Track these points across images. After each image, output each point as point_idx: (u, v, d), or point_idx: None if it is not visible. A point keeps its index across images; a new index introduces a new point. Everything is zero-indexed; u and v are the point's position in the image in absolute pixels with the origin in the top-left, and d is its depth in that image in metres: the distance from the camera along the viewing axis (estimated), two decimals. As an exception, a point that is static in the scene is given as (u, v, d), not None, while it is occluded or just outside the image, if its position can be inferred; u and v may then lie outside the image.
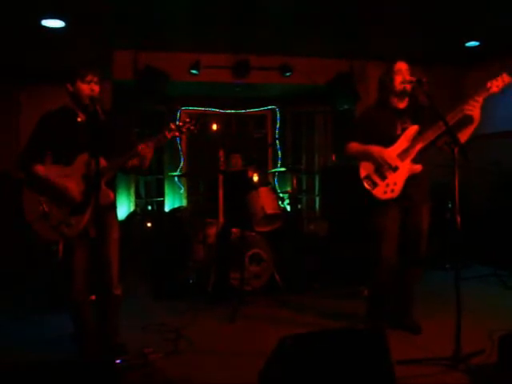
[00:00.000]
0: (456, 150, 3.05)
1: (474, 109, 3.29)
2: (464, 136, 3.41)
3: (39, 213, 3.00)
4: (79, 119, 3.12)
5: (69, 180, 3.02)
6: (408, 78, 3.48)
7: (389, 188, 3.53)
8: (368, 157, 3.59)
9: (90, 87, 3.04)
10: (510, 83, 3.30)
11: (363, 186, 3.58)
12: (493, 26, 5.33)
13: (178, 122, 3.09)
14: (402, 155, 3.52)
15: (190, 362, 3.26)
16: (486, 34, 5.65)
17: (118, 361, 3.06)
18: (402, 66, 3.54)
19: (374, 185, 3.56)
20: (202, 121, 7.20)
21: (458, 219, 3.07)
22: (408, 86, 3.48)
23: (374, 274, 3.71)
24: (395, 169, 3.51)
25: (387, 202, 3.56)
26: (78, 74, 3.03)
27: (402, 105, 3.63)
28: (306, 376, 2.20)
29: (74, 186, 3.01)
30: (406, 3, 4.69)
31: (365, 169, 3.61)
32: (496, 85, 3.29)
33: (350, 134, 3.77)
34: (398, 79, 3.51)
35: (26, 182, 3.07)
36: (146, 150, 3.03)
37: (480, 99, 3.29)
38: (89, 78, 3.04)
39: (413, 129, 3.53)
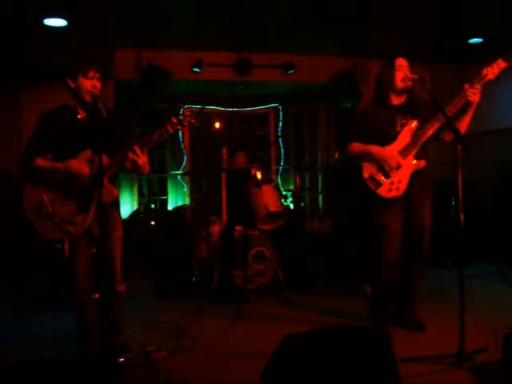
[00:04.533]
0: (459, 147, 3.04)
1: (474, 96, 3.27)
2: (464, 124, 3.41)
3: (42, 212, 3.00)
4: (79, 116, 3.11)
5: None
6: (410, 75, 3.48)
7: (394, 186, 3.52)
8: (369, 157, 3.58)
9: (92, 83, 3.02)
10: (506, 68, 3.28)
11: (366, 186, 3.57)
12: (496, 22, 5.31)
13: (180, 116, 3.09)
14: (404, 152, 3.51)
15: (193, 361, 3.26)
16: (490, 31, 5.62)
17: (120, 359, 3.06)
18: (402, 63, 3.53)
19: (378, 184, 3.54)
20: (204, 115, 7.21)
21: (462, 216, 3.06)
22: (409, 83, 3.48)
23: (378, 272, 3.70)
24: (398, 167, 3.50)
25: (391, 200, 3.55)
26: (81, 69, 3.02)
27: (400, 101, 3.62)
28: (309, 374, 2.20)
29: (78, 164, 2.98)
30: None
31: (367, 169, 3.59)
32: (492, 71, 3.28)
33: (350, 135, 3.74)
34: (399, 76, 3.50)
35: (29, 180, 3.06)
36: (134, 157, 2.97)
37: (479, 86, 3.28)
38: (91, 73, 3.03)
39: (412, 124, 3.52)
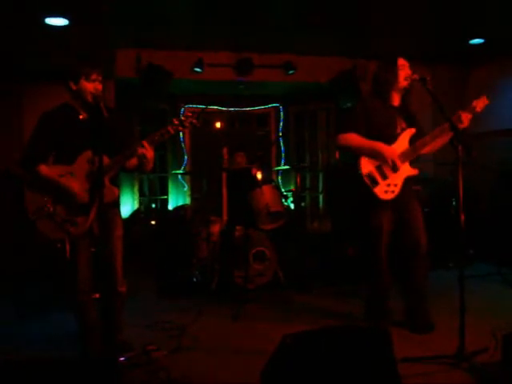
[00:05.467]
0: (460, 147, 3.04)
1: (466, 122, 3.43)
2: (446, 139, 3.49)
3: (43, 212, 3.00)
4: (81, 117, 3.11)
5: (73, 179, 3.01)
6: (411, 74, 3.50)
7: (390, 188, 3.52)
8: (373, 153, 3.53)
9: (94, 86, 3.03)
10: (487, 105, 3.48)
11: (363, 182, 3.54)
12: (497, 22, 5.31)
13: (181, 117, 3.10)
14: (403, 157, 3.53)
15: (194, 360, 3.27)
16: (491, 31, 5.62)
17: (121, 358, 3.07)
18: (404, 63, 3.58)
19: (375, 183, 3.53)
20: (204, 115, 7.22)
21: (462, 217, 3.06)
22: (410, 82, 3.51)
23: (373, 274, 3.71)
24: (396, 170, 3.51)
25: (386, 202, 3.55)
26: (83, 72, 3.02)
27: (399, 102, 3.65)
28: (308, 374, 2.20)
29: (78, 186, 3.01)
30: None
31: (367, 165, 3.55)
32: (480, 105, 3.45)
33: (350, 124, 3.64)
34: (402, 75, 3.54)
35: (29, 182, 3.06)
36: (144, 150, 3.02)
37: (470, 116, 3.44)
38: (94, 76, 3.03)
39: (411, 131, 3.58)
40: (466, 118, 3.40)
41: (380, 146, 3.51)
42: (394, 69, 3.56)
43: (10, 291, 5.08)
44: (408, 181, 3.57)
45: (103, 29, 5.30)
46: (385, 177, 3.53)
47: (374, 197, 3.53)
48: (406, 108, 3.69)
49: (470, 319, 3.12)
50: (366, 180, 3.53)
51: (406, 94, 3.64)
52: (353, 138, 3.58)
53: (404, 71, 3.54)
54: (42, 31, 5.17)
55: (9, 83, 6.50)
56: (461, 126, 3.39)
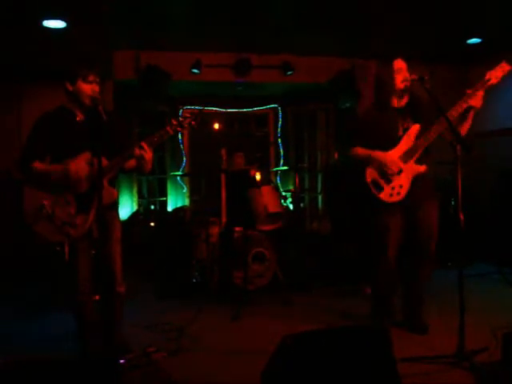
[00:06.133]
0: (458, 147, 3.03)
1: (476, 101, 3.26)
2: (464, 129, 3.39)
3: (42, 215, 2.98)
4: (78, 118, 3.10)
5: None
6: (409, 76, 3.47)
7: (395, 191, 3.51)
8: (371, 162, 3.57)
9: (91, 87, 3.02)
10: (509, 71, 3.24)
11: (369, 191, 3.56)
12: (495, 22, 5.32)
13: (179, 118, 3.10)
14: (405, 156, 3.50)
15: (193, 361, 3.26)
16: (488, 31, 5.63)
17: (121, 360, 3.06)
18: (401, 65, 3.53)
19: (380, 189, 3.54)
20: (203, 116, 7.20)
21: (461, 217, 3.05)
22: (408, 84, 3.48)
23: (376, 274, 3.71)
24: (399, 172, 3.50)
25: (392, 205, 3.54)
26: (80, 73, 3.01)
27: (402, 103, 3.61)
28: (308, 374, 2.20)
29: (77, 168, 2.96)
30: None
31: (370, 173, 3.58)
32: (495, 75, 3.24)
33: (352, 139, 3.74)
34: (399, 78, 3.50)
35: (27, 183, 3.04)
36: (142, 152, 3.01)
37: (481, 92, 3.26)
38: (91, 78, 3.02)
39: (415, 128, 3.51)
40: (474, 99, 3.24)
41: (374, 154, 3.55)
42: (390, 71, 3.55)
43: (9, 291, 5.08)
44: (417, 179, 3.51)
45: (101, 30, 5.29)
46: (389, 181, 3.52)
47: (379, 201, 3.54)
48: (413, 105, 3.60)
49: (470, 318, 3.12)
50: (372, 188, 3.56)
51: (411, 93, 3.61)
52: (358, 152, 3.68)
53: (401, 74, 3.50)
54: (40, 32, 5.17)
55: (8, 84, 6.49)
56: (476, 106, 3.28)
